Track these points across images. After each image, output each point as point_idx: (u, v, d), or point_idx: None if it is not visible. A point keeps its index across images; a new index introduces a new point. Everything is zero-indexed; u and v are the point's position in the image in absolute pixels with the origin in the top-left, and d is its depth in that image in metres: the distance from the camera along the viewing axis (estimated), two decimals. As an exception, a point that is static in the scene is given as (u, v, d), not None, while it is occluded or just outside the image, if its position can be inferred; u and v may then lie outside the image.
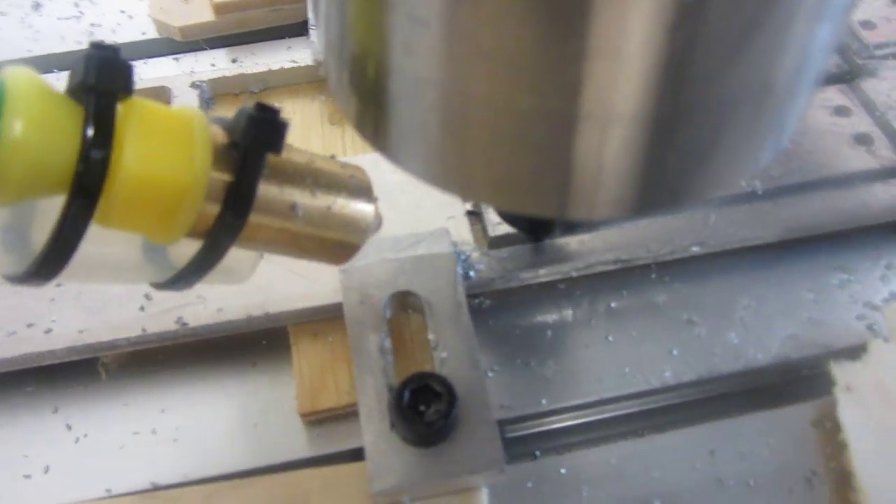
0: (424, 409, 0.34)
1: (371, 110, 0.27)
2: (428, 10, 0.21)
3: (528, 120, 0.23)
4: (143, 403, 0.40)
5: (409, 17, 0.22)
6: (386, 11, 0.23)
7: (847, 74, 0.53)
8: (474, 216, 0.45)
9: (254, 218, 0.27)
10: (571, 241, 0.44)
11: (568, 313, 0.44)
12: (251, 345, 0.42)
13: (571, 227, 0.44)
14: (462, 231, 0.44)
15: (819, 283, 0.45)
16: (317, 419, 0.39)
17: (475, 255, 0.43)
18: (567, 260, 0.43)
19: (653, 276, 0.46)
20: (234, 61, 0.56)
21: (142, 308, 0.40)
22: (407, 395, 0.34)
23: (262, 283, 0.40)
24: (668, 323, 0.44)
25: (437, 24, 0.22)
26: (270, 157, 0.28)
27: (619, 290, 0.45)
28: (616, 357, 0.42)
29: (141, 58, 0.57)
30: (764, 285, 0.45)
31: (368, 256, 0.40)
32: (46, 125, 0.22)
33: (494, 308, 0.44)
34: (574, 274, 0.44)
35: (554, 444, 0.41)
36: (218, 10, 0.56)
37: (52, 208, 0.24)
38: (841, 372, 0.40)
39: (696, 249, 0.44)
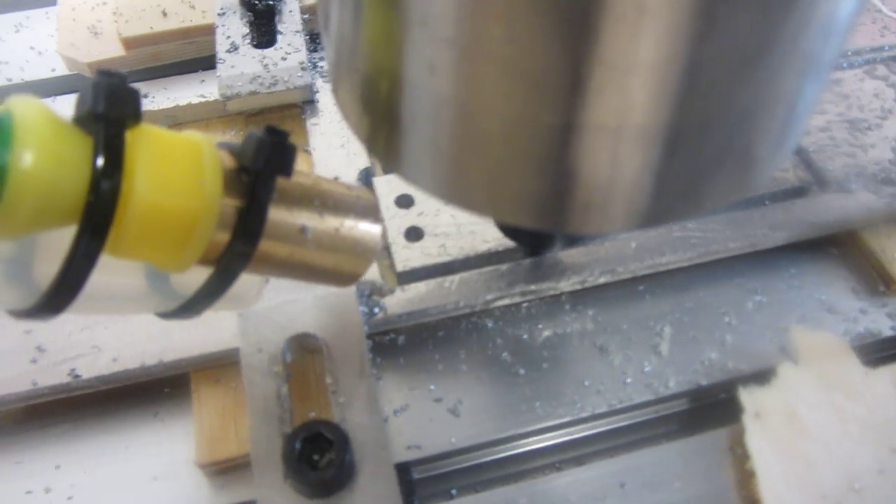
0: (318, 458, 0.33)
1: (384, 128, 0.27)
2: (457, 30, 0.22)
3: (547, 134, 0.23)
4: (37, 460, 0.39)
5: (436, 36, 0.22)
6: (410, 31, 0.23)
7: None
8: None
9: (264, 243, 0.27)
10: (476, 276, 0.43)
11: (481, 348, 0.43)
12: (153, 393, 0.41)
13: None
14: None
15: (735, 306, 0.45)
16: (218, 469, 0.38)
17: (382, 291, 0.42)
18: (478, 294, 0.43)
19: (566, 306, 0.45)
20: (145, 96, 0.55)
21: (33, 361, 0.39)
22: (298, 444, 0.33)
23: (159, 329, 0.39)
24: (581, 353, 0.43)
25: (464, 42, 0.22)
26: (279, 181, 0.27)
27: (533, 322, 0.44)
28: (528, 390, 0.42)
29: (50, 95, 0.56)
30: (679, 311, 0.45)
31: (267, 299, 0.39)
32: (56, 156, 0.22)
33: (407, 345, 0.43)
34: (486, 306, 0.43)
35: (470, 481, 0.41)
36: (128, 44, 0.55)
37: (57, 239, 0.23)
38: (749, 398, 0.40)
39: (603, 279, 0.44)
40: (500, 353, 0.43)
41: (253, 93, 0.51)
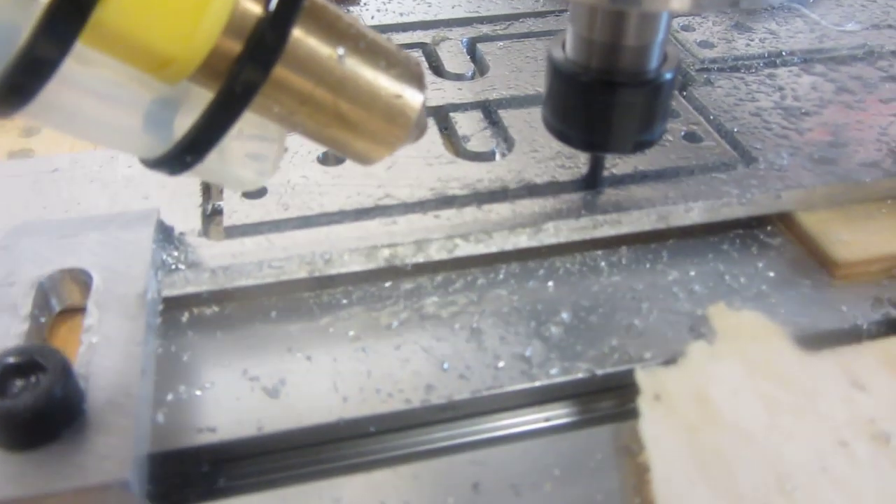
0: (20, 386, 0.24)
1: None
2: None
3: None
4: None
5: None
6: None
7: (679, 85, 0.48)
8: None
9: (284, 69, 0.21)
10: (322, 236, 0.35)
11: (322, 322, 0.35)
12: None
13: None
14: (191, 219, 0.36)
15: (651, 291, 0.37)
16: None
17: (196, 243, 0.34)
18: (318, 258, 0.35)
19: (439, 285, 0.37)
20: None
21: None
22: (-6, 369, 0.24)
23: None
24: (445, 334, 0.34)
25: None
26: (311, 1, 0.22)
27: (396, 300, 0.36)
28: (370, 372, 0.32)
29: None
30: (583, 294, 0.36)
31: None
32: None
33: (231, 316, 0.35)
34: (331, 272, 0.35)
35: (278, 476, 0.31)
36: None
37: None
38: (647, 378, 0.31)
39: (482, 249, 0.36)
40: (346, 331, 0.34)
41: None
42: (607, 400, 0.33)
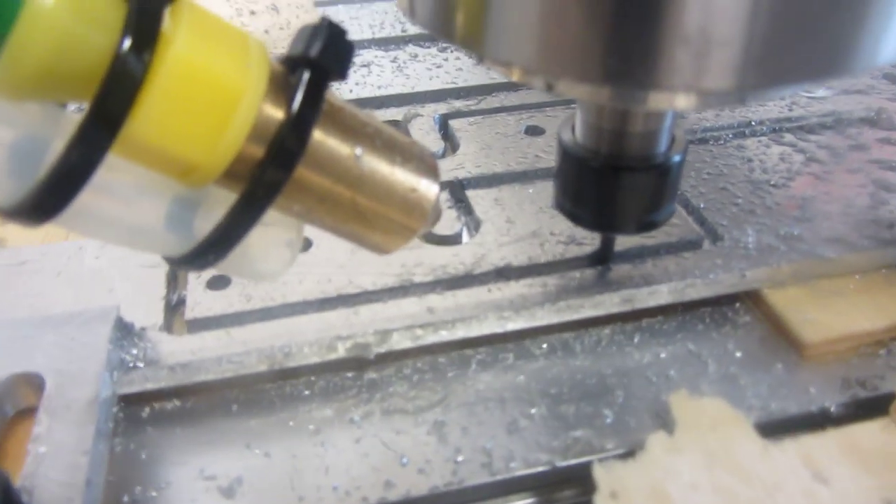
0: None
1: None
2: None
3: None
4: None
5: None
6: None
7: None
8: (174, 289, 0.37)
9: (305, 169, 0.22)
10: (284, 327, 0.35)
11: (282, 415, 0.35)
12: None
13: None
14: (153, 313, 0.36)
15: (617, 372, 0.36)
16: None
17: (157, 339, 0.34)
18: (279, 351, 0.35)
19: (406, 376, 0.36)
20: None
21: None
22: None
23: None
24: (407, 426, 0.34)
25: None
26: (329, 102, 0.23)
27: (353, 388, 0.36)
28: (328, 468, 0.32)
29: None
30: (551, 382, 0.36)
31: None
32: (82, 5, 0.18)
33: (191, 411, 0.35)
34: (283, 364, 0.35)
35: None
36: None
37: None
38: (605, 475, 0.30)
39: (443, 334, 0.36)
40: (307, 425, 0.34)
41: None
42: (570, 489, 0.33)
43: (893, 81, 0.56)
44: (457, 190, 0.45)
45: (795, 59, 0.23)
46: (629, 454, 0.32)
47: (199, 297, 0.37)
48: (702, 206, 0.43)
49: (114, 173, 0.21)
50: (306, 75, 0.21)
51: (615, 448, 0.32)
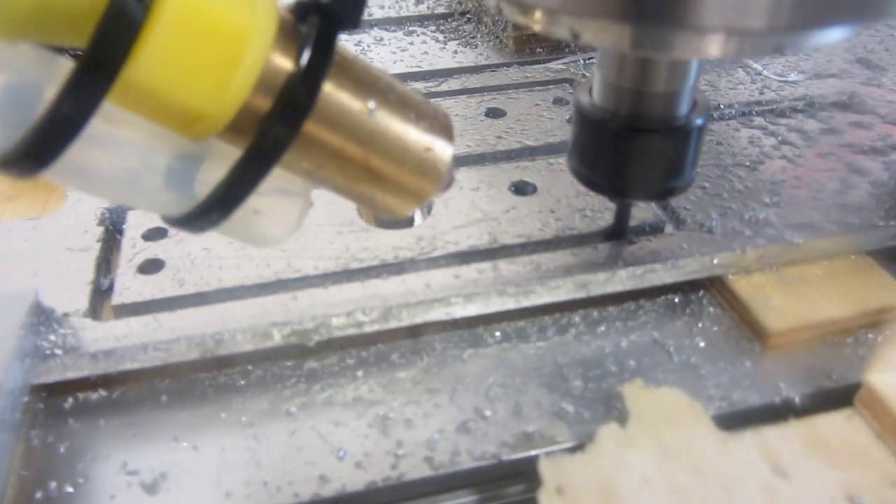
0: None
1: None
2: None
3: None
4: None
5: None
6: None
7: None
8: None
9: (315, 124, 0.21)
10: (218, 314, 0.33)
11: (214, 407, 0.32)
12: None
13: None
14: (79, 298, 0.34)
15: (574, 361, 0.34)
16: None
17: (79, 325, 0.32)
18: (222, 346, 0.32)
19: (347, 368, 0.34)
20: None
21: None
22: None
23: None
24: (346, 418, 0.32)
25: None
26: (340, 54, 0.21)
27: (291, 378, 0.34)
28: (260, 462, 0.30)
29: None
30: (501, 368, 0.34)
31: None
32: None
33: (115, 401, 0.33)
34: (222, 353, 0.33)
35: None
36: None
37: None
38: (551, 468, 0.28)
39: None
40: (240, 417, 0.32)
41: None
42: (516, 485, 0.31)
43: (867, 66, 0.54)
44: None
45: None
46: (578, 447, 0.30)
47: (129, 281, 0.34)
48: (665, 189, 0.41)
49: (111, 125, 0.19)
50: (318, 23, 0.20)
51: (564, 441, 0.31)
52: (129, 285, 0.34)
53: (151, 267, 0.35)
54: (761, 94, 0.50)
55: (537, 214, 0.39)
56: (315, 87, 0.20)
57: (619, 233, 0.38)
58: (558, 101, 0.49)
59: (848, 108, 0.49)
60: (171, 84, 0.18)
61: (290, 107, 0.20)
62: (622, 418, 0.31)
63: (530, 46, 0.60)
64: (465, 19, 0.67)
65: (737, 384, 0.33)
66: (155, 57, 0.18)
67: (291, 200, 0.25)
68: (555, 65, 0.54)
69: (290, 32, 0.20)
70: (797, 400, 0.33)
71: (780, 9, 0.22)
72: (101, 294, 0.35)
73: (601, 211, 0.39)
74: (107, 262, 0.37)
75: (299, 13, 0.21)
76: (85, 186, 0.21)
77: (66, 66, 0.19)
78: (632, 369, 0.34)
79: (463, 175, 0.42)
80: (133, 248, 0.36)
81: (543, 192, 0.41)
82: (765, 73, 0.52)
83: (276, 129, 0.20)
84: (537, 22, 0.26)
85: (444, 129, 0.24)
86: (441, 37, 0.64)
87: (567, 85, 0.52)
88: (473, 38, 0.63)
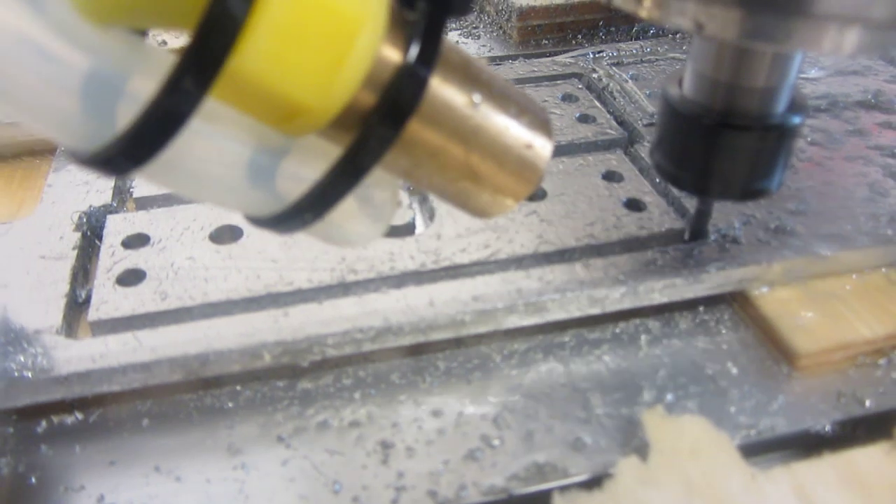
0: None
1: None
2: None
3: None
4: None
5: None
6: None
7: (625, 142, 0.43)
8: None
9: (418, 123, 0.20)
10: (203, 331, 0.31)
11: (199, 432, 0.30)
12: None
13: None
14: (52, 313, 0.31)
15: (593, 383, 0.32)
16: None
17: (52, 343, 0.29)
18: (207, 368, 0.30)
19: (343, 389, 0.32)
20: None
21: None
22: None
23: None
24: (342, 446, 0.29)
25: None
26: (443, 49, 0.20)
27: (283, 400, 0.31)
28: (248, 496, 0.28)
29: None
30: (514, 390, 0.32)
31: None
32: None
33: (92, 426, 0.30)
34: (208, 375, 0.30)
35: None
36: None
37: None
38: (567, 508, 0.26)
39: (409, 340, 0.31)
40: (226, 443, 0.30)
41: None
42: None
43: (891, 62, 0.52)
44: (412, 174, 0.40)
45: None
46: (595, 481, 0.27)
47: (107, 294, 0.32)
48: (683, 195, 0.38)
49: (201, 118, 0.17)
50: (426, 9, 0.19)
51: (579, 473, 0.28)
52: (107, 298, 0.31)
53: (131, 278, 0.33)
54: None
55: (544, 222, 0.37)
56: (424, 81, 0.19)
57: (698, 233, 0.36)
58: (567, 98, 0.46)
59: (874, 107, 0.46)
60: (278, 76, 0.17)
61: (396, 103, 0.19)
62: (642, 449, 0.29)
63: (535, 38, 0.57)
64: (468, 8, 0.64)
65: (763, 410, 0.31)
66: (262, 47, 0.16)
67: (381, 197, 0.23)
68: (562, 58, 0.51)
69: (398, 21, 0.19)
70: (828, 428, 0.30)
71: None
72: (76, 307, 0.33)
73: (616, 218, 0.37)
74: (84, 270, 0.35)
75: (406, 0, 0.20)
76: (168, 182, 0.20)
77: (150, 53, 0.18)
78: (650, 393, 0.31)
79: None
80: (112, 257, 0.34)
81: (553, 198, 0.38)
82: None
83: (381, 127, 0.19)
84: (652, 9, 0.25)
85: (543, 124, 0.23)
86: (442, 26, 0.61)
87: (576, 80, 0.49)
88: (476, 27, 0.60)
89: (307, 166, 0.20)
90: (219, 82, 0.16)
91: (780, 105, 0.30)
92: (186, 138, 0.17)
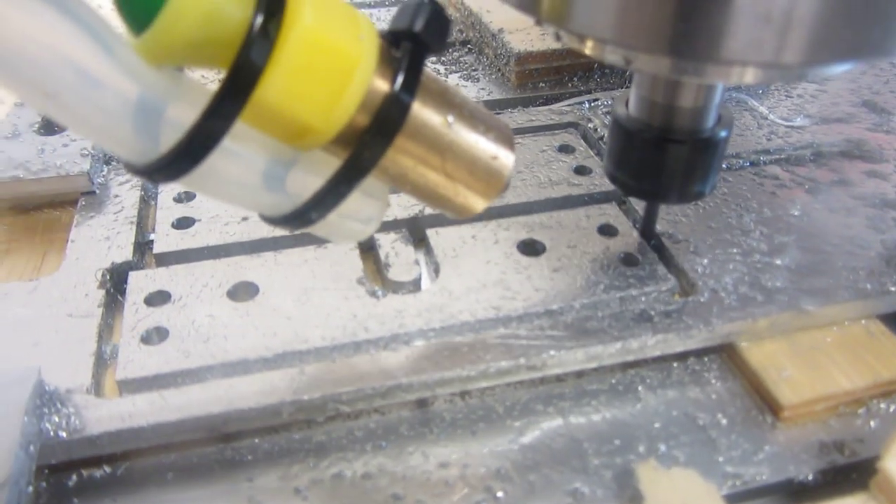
0: None
1: None
2: None
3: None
4: None
5: None
6: None
7: (619, 197, 0.46)
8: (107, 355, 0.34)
9: (403, 138, 0.25)
10: (223, 390, 0.33)
11: (221, 486, 0.32)
12: None
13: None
14: (81, 371, 0.33)
15: (590, 436, 0.34)
16: None
17: (83, 403, 0.31)
18: (228, 426, 0.32)
19: (360, 440, 0.34)
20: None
21: None
22: None
23: None
24: (357, 498, 0.31)
25: None
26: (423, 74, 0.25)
27: (299, 452, 0.33)
28: (268, 549, 0.30)
29: None
30: (512, 443, 0.34)
31: None
32: None
33: (119, 479, 0.32)
34: (225, 427, 0.32)
35: None
36: None
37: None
38: (566, 562, 0.28)
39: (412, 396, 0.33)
40: (246, 496, 0.32)
41: (16, 178, 0.43)
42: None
43: (873, 109, 0.54)
44: (414, 228, 0.42)
45: (856, 37, 0.25)
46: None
47: (132, 353, 0.34)
48: (671, 250, 0.40)
49: (230, 136, 0.22)
50: (409, 48, 0.24)
51: (577, 526, 0.30)
52: (132, 357, 0.33)
53: (155, 336, 0.35)
54: (768, 140, 0.50)
55: (545, 276, 0.39)
56: (407, 106, 0.24)
57: (647, 234, 0.41)
58: (563, 149, 0.49)
59: (857, 157, 0.49)
60: (292, 103, 0.22)
61: (385, 123, 0.23)
62: (636, 499, 0.31)
63: (533, 81, 0.59)
64: (467, 49, 0.66)
65: (749, 459, 0.33)
66: (281, 81, 0.21)
67: (372, 201, 0.28)
68: (559, 106, 0.54)
69: (386, 57, 0.24)
70: (810, 477, 0.32)
71: (793, 47, 0.25)
72: (103, 363, 0.35)
73: (615, 279, 0.39)
74: (108, 327, 0.36)
75: (392, 39, 0.24)
76: (202, 188, 0.24)
77: (185, 82, 0.23)
78: (642, 443, 0.33)
79: (476, 231, 0.42)
80: (136, 315, 0.36)
81: (551, 252, 0.40)
82: (771, 116, 0.52)
83: (373, 142, 0.24)
84: (592, 49, 0.30)
85: (507, 139, 0.28)
86: (442, 68, 0.63)
87: (573, 129, 0.51)
88: (475, 70, 0.63)
89: (313, 174, 0.25)
90: (244, 109, 0.21)
91: (710, 121, 0.35)
92: (218, 152, 0.22)
